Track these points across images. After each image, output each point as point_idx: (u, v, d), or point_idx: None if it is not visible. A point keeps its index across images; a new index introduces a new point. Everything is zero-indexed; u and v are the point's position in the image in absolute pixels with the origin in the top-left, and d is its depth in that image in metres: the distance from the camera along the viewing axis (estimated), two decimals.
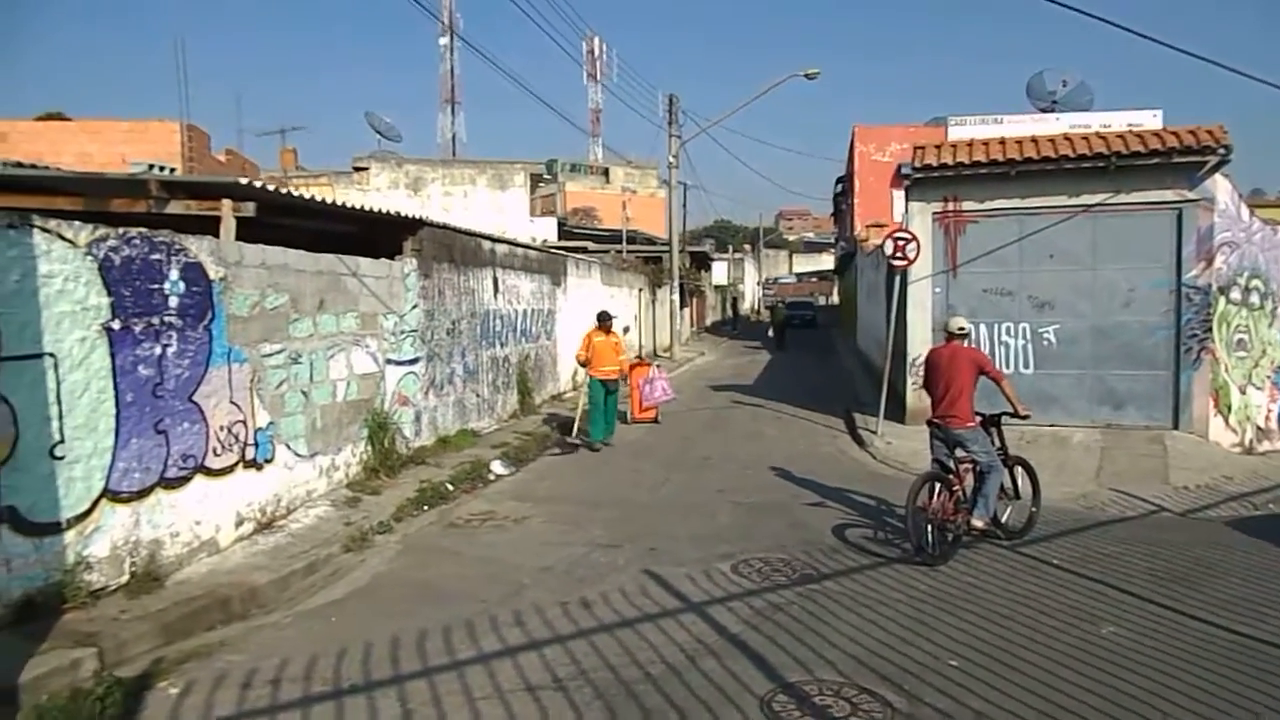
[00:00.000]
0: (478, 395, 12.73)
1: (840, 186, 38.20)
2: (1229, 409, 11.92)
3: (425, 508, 8.74)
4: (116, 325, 5.90)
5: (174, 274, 6.45)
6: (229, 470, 7.10)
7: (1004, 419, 7.74)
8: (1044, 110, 28.57)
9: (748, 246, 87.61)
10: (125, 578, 5.95)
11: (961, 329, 7.64)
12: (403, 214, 10.47)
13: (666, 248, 35.32)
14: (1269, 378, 12.42)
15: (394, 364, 10.06)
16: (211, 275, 6.86)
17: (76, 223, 5.68)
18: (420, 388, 10.74)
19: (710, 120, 26.19)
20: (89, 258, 5.70)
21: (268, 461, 7.64)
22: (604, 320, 12.74)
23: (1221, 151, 11.17)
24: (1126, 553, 7.41)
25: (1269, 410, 12.48)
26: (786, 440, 13.01)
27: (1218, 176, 11.47)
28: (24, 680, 4.57)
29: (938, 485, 7.16)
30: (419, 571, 6.78)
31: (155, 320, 6.26)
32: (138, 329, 6.10)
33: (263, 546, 7.19)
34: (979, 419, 7.51)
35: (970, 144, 12.61)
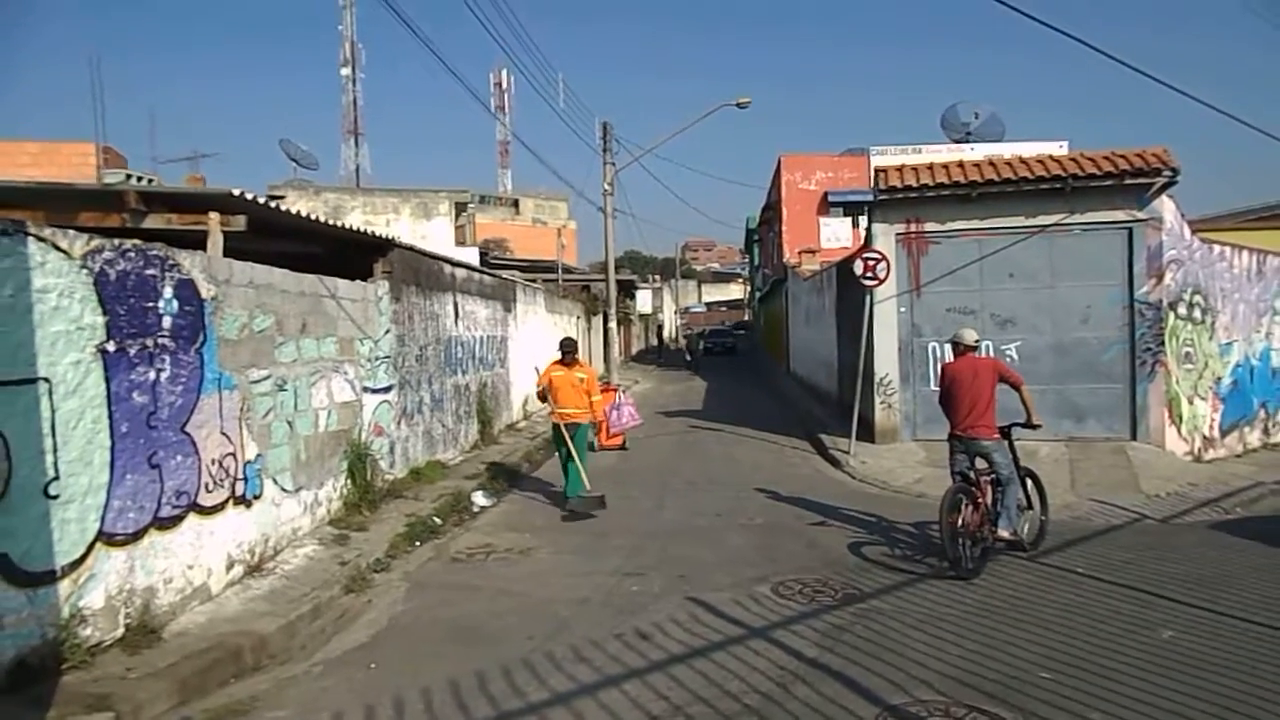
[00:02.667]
0: (443, 425, 12.16)
1: (762, 215, 38.89)
2: (1180, 419, 12.41)
3: (417, 543, 8.19)
4: (111, 347, 5.29)
5: (168, 291, 5.86)
6: (220, 508, 6.46)
7: (1014, 430, 7.78)
8: (958, 141, 29.89)
9: (656, 276, 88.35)
10: (120, 631, 5.28)
11: (976, 341, 7.67)
12: (375, 234, 9.93)
13: (591, 277, 34.98)
14: (1211, 388, 13.04)
15: (370, 392, 9.48)
16: (204, 294, 6.28)
17: (71, 231, 5.08)
18: (394, 417, 10.15)
19: (642, 149, 26.21)
20: (84, 271, 5.10)
21: (256, 498, 7.01)
22: (567, 350, 10.09)
23: (1168, 173, 11.72)
24: (1140, 559, 7.52)
25: (1212, 419, 13.09)
26: (760, 463, 12.88)
27: (1164, 197, 12.03)
28: None
29: (963, 499, 7.11)
30: (443, 610, 6.27)
31: (149, 342, 5.66)
32: (132, 351, 5.49)
33: (258, 591, 6.56)
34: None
35: (931, 167, 12.89)
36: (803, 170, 30.10)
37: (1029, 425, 7.59)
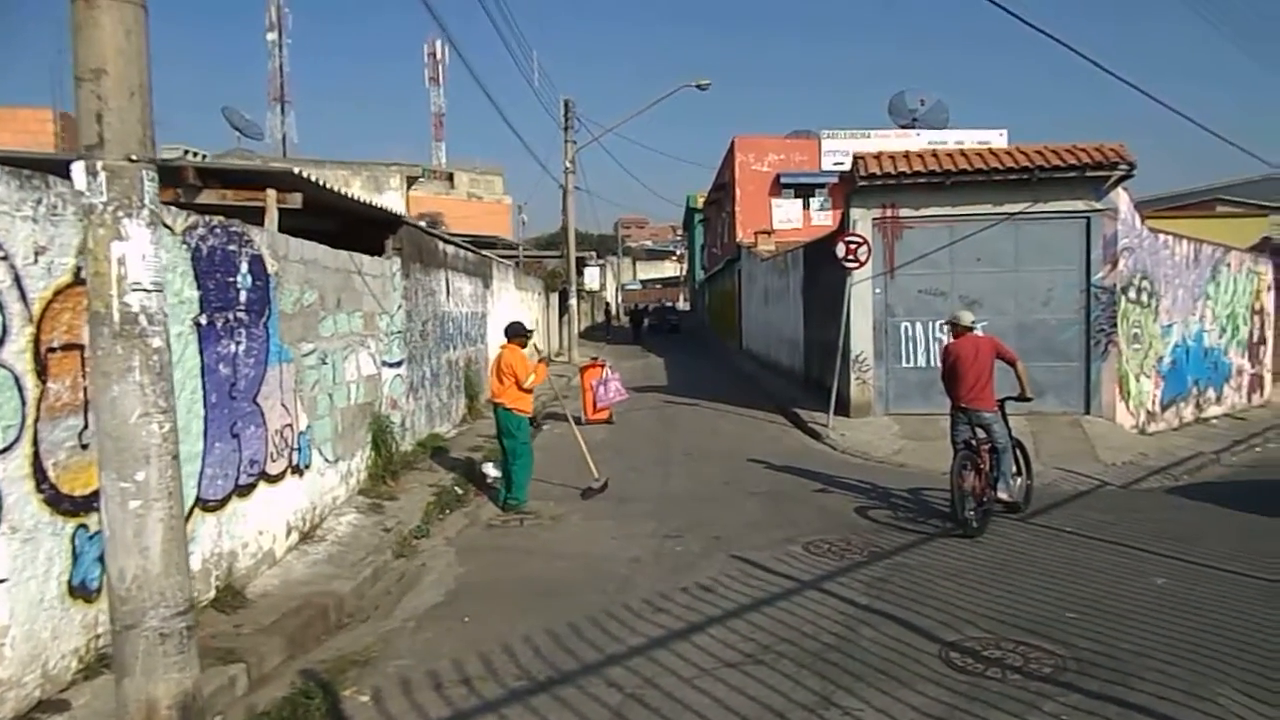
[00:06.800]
0: (439, 399, 12.41)
1: (711, 195, 39.46)
2: (1129, 395, 13.46)
3: (448, 511, 8.54)
4: (204, 320, 5.51)
5: (244, 267, 6.06)
6: (282, 476, 6.71)
7: (1008, 402, 8.48)
8: (905, 127, 30.93)
9: (594, 253, 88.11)
10: (212, 593, 5.55)
11: (973, 322, 8.33)
12: (388, 210, 10.11)
13: (547, 254, 35.19)
14: (1154, 367, 14.15)
15: (387, 366, 9.70)
16: (269, 269, 6.48)
17: (173, 208, 5.27)
18: (404, 391, 10.39)
19: (602, 127, 26.47)
20: (184, 247, 5.31)
21: (307, 467, 7.25)
22: (515, 334, 9.09)
23: (1125, 167, 12.62)
24: (1117, 520, 8.32)
25: (1154, 395, 14.21)
26: (744, 435, 13.48)
27: (1119, 189, 12.95)
28: None
29: (969, 465, 7.79)
30: (504, 571, 6.66)
31: (230, 316, 5.88)
32: (219, 325, 5.71)
33: (316, 556, 6.84)
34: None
35: (908, 155, 13.56)
36: (755, 152, 30.76)
37: (1022, 398, 8.30)
